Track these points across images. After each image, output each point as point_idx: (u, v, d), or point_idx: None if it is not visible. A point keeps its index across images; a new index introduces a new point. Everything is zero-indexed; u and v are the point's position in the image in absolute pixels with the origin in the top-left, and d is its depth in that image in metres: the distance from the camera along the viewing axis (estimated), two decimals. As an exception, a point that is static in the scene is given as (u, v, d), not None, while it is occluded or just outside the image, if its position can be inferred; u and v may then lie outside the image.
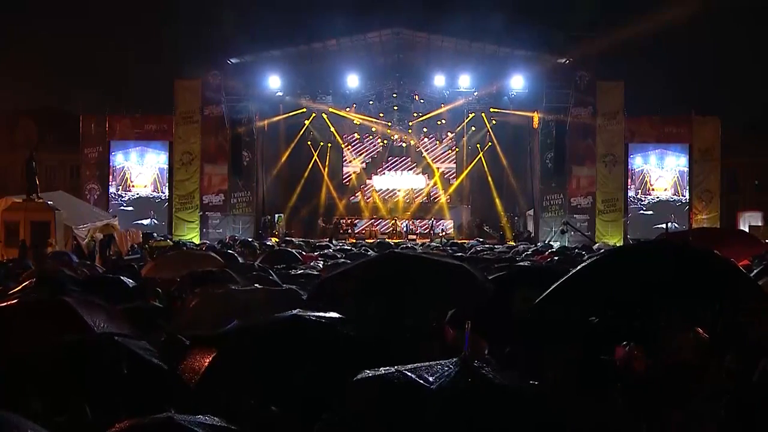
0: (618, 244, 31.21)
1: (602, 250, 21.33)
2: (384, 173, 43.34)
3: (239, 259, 15.99)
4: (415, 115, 40.94)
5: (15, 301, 6.76)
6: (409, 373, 2.97)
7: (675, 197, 37.27)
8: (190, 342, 4.69)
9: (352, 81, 36.95)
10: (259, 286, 6.94)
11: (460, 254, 19.58)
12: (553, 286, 4.93)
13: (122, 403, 3.94)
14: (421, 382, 2.89)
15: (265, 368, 3.90)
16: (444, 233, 38.43)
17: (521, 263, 10.66)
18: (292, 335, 4.06)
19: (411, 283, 5.54)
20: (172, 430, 2.86)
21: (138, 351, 4.48)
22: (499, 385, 2.93)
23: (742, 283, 5.23)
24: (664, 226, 34.35)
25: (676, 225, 35.70)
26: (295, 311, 4.32)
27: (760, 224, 36.10)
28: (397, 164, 43.40)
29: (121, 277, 9.38)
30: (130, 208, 36.90)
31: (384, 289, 5.48)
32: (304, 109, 39.42)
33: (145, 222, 36.28)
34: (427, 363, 3.10)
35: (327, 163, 42.23)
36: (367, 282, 5.65)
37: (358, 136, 42.87)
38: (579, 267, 5.18)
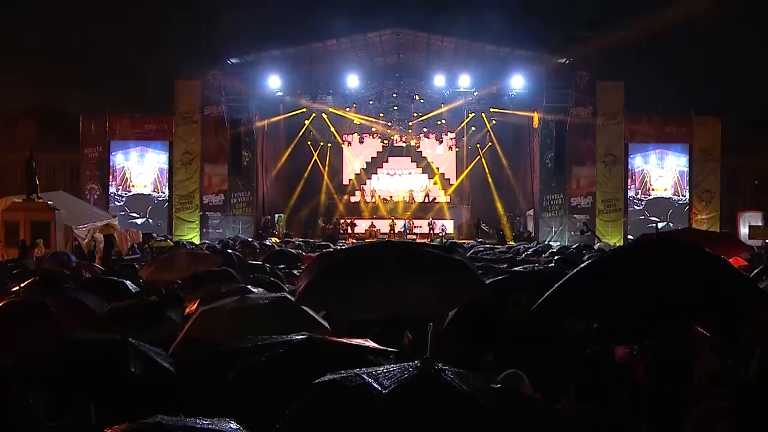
0: (618, 244, 31.21)
1: (603, 251, 21.38)
2: (384, 173, 43.36)
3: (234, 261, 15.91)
4: (415, 115, 40.96)
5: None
6: (365, 377, 2.93)
7: (675, 197, 37.27)
8: (204, 356, 4.64)
9: (352, 81, 36.97)
10: (260, 295, 6.90)
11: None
12: (547, 293, 4.92)
13: (129, 407, 3.92)
14: (375, 385, 2.85)
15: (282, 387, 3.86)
16: (444, 233, 38.42)
17: (516, 268, 10.65)
18: (306, 356, 4.03)
19: (407, 265, 5.53)
20: None
21: (152, 355, 4.47)
22: (456, 391, 2.86)
23: (740, 283, 5.22)
24: (659, 225, 34.56)
25: (671, 225, 35.84)
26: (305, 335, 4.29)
27: (760, 224, 36.03)
28: (397, 164, 43.41)
29: (125, 282, 9.37)
30: (130, 208, 36.90)
31: (380, 272, 5.46)
32: (304, 109, 39.47)
33: (144, 222, 36.30)
34: (389, 366, 3.05)
35: (327, 163, 42.27)
36: (363, 266, 5.63)
37: (358, 136, 42.89)
38: (573, 272, 5.16)
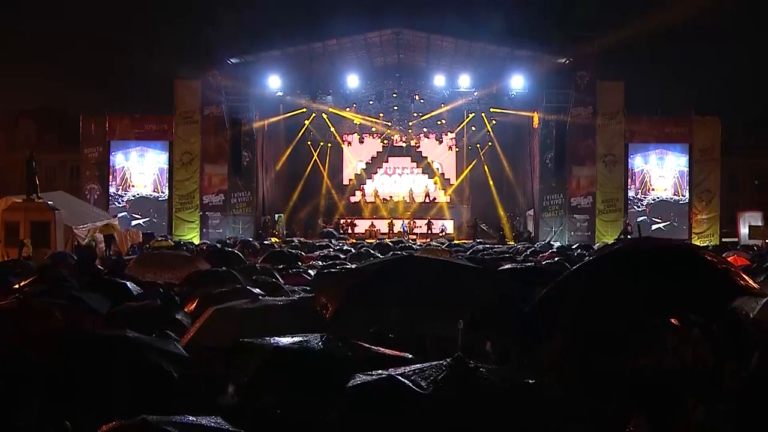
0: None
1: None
2: (384, 173, 43.35)
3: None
4: (415, 115, 40.94)
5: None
6: (402, 378, 2.90)
7: (675, 197, 37.24)
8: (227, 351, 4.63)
9: (352, 81, 36.94)
10: (267, 299, 6.90)
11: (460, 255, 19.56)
12: (547, 290, 4.94)
13: (128, 405, 3.93)
14: (414, 387, 2.83)
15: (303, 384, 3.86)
16: (444, 233, 38.41)
17: (529, 264, 10.69)
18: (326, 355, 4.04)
19: (435, 287, 5.55)
20: (147, 431, 2.85)
21: (148, 354, 4.48)
22: (492, 387, 2.86)
23: (734, 285, 5.23)
24: (654, 227, 34.60)
25: (674, 224, 35.87)
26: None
27: (760, 224, 36.08)
28: (397, 164, 43.40)
29: (126, 282, 9.39)
30: (131, 209, 36.89)
31: (410, 295, 5.47)
32: (304, 109, 39.46)
33: (144, 222, 36.27)
34: (420, 365, 3.04)
35: (327, 163, 42.26)
36: (390, 288, 5.62)
37: (358, 136, 42.87)
38: (573, 270, 5.18)
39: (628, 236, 32.22)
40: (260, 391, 3.79)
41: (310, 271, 13.68)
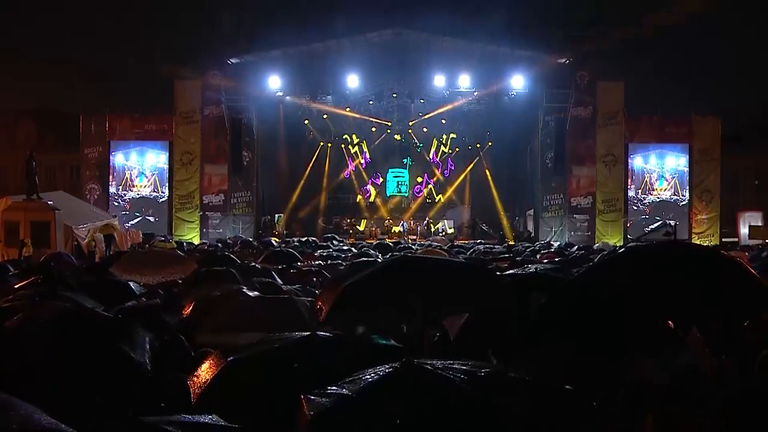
0: (618, 244, 31.23)
1: (603, 251, 21.38)
2: (384, 173, 43.32)
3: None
4: (417, 115, 40.90)
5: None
6: (347, 390, 2.95)
7: (675, 197, 37.26)
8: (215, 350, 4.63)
9: (352, 81, 36.89)
10: (254, 295, 6.91)
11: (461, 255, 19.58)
12: (557, 293, 4.92)
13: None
14: (364, 396, 2.88)
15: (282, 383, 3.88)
16: (444, 233, 38.41)
17: (530, 268, 10.63)
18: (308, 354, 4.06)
19: (433, 287, 5.53)
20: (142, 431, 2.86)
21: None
22: (443, 382, 2.93)
23: (745, 282, 5.20)
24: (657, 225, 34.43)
25: (679, 224, 35.82)
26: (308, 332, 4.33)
27: (760, 224, 36.10)
28: (397, 164, 43.37)
29: (129, 283, 9.36)
30: (131, 209, 36.90)
31: (406, 296, 5.46)
32: (305, 109, 39.43)
33: (144, 222, 36.26)
34: (370, 372, 3.07)
35: (327, 163, 42.24)
36: (387, 290, 5.60)
37: (358, 137, 42.84)
38: (580, 273, 5.17)
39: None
40: (224, 397, 3.80)
41: (313, 269, 13.70)
